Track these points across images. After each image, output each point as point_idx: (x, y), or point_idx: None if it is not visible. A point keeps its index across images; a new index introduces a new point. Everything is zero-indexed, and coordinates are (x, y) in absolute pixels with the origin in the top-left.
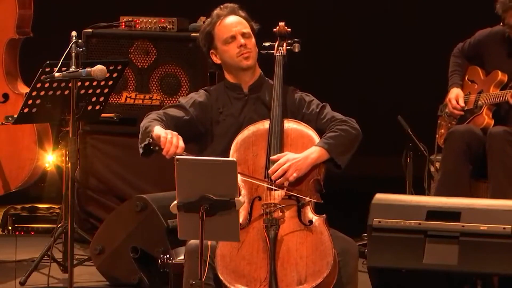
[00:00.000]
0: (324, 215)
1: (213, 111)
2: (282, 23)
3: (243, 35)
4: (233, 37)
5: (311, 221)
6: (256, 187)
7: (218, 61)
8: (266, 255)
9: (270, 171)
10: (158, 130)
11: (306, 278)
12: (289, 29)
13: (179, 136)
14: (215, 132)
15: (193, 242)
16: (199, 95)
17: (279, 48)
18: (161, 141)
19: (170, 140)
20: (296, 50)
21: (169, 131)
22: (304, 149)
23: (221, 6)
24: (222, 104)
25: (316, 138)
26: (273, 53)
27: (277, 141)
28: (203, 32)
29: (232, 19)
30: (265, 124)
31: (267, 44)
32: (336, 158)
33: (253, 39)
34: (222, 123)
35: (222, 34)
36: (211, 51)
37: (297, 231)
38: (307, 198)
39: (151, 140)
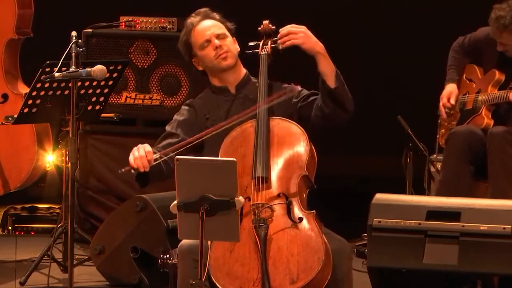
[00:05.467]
0: (314, 211)
1: (199, 120)
2: (266, 22)
3: (218, 36)
4: (208, 41)
5: (301, 218)
6: (245, 189)
7: (201, 68)
8: (258, 255)
9: (280, 29)
10: (129, 157)
11: (298, 275)
12: (273, 27)
13: (143, 145)
14: (207, 139)
15: (185, 242)
16: (180, 114)
17: (264, 47)
18: (130, 163)
19: (137, 156)
20: (281, 48)
21: (135, 148)
22: (292, 146)
23: (193, 14)
24: (208, 109)
25: (303, 135)
26: (258, 52)
27: (263, 141)
28: (181, 43)
29: (205, 23)
30: (252, 124)
31: (252, 43)
32: (337, 82)
33: (230, 39)
34: (210, 128)
35: (197, 40)
36: (193, 59)
37: (287, 229)
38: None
39: (122, 170)
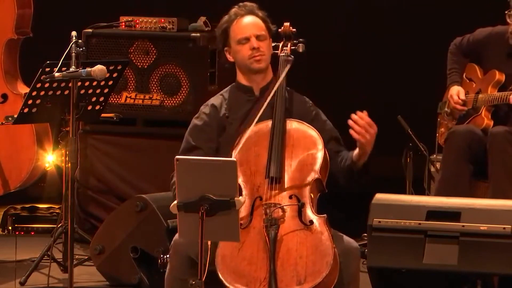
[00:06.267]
0: (325, 215)
1: (218, 121)
2: (287, 24)
3: (258, 37)
4: (247, 39)
5: (311, 221)
6: (257, 188)
7: (231, 59)
8: (266, 255)
9: (360, 115)
10: None
11: (305, 278)
12: (294, 30)
13: None
14: (223, 139)
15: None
16: (199, 118)
17: (284, 48)
18: None
19: None
20: (300, 50)
21: None
22: (307, 149)
23: (240, 4)
24: (229, 108)
25: (318, 138)
26: (278, 53)
27: (279, 141)
28: (219, 28)
29: (248, 19)
30: (267, 124)
31: (272, 44)
32: (362, 170)
33: (268, 41)
34: (229, 127)
35: (236, 34)
36: (226, 48)
37: (297, 231)
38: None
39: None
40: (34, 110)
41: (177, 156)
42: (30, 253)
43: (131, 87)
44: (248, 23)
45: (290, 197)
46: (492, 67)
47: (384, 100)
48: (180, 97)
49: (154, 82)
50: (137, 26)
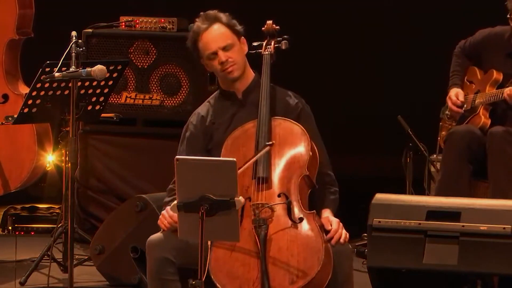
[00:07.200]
0: (314, 211)
1: (205, 131)
2: (270, 22)
3: (224, 48)
4: (214, 53)
5: (301, 219)
6: (246, 189)
7: (210, 69)
8: (258, 255)
9: (334, 231)
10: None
11: (297, 275)
12: (277, 27)
13: (163, 213)
14: (212, 145)
15: (153, 237)
16: (188, 130)
17: (267, 46)
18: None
19: (169, 221)
20: (283, 47)
21: (161, 217)
22: (293, 146)
23: (202, 14)
24: (214, 114)
25: (304, 135)
26: (261, 52)
27: (265, 142)
28: (189, 43)
29: (212, 33)
30: (254, 124)
31: (256, 43)
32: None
33: (237, 47)
34: (216, 133)
35: (204, 50)
36: (201, 60)
37: (287, 229)
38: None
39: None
40: (34, 110)
41: (177, 156)
42: (30, 253)
43: (131, 87)
44: (212, 37)
45: (279, 196)
46: (491, 67)
47: (384, 100)
48: (180, 97)
49: (154, 82)
50: (137, 26)
